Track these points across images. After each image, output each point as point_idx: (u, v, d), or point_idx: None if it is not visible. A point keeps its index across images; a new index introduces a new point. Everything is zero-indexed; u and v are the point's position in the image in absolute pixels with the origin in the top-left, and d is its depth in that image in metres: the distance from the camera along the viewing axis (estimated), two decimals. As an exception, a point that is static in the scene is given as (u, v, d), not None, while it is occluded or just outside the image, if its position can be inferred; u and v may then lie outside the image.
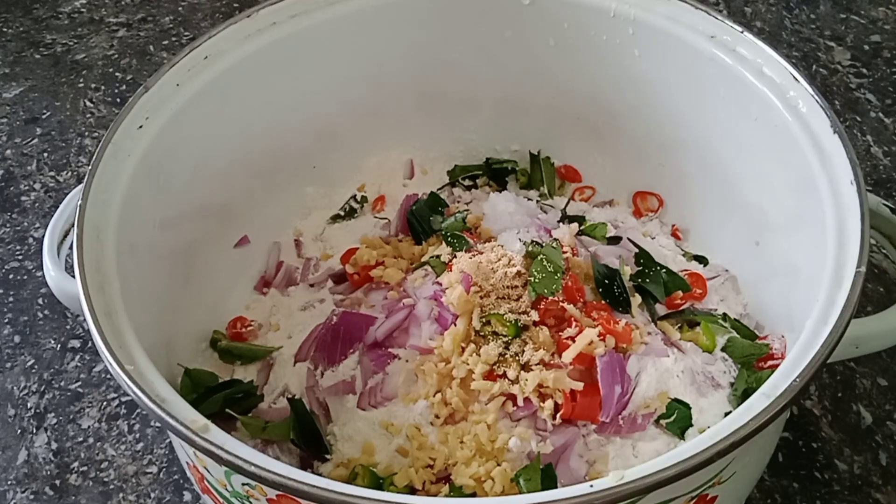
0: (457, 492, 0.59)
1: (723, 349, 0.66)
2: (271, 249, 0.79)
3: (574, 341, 0.62)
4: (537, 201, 0.81)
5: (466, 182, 0.84)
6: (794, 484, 0.69)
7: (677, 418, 0.61)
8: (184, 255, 0.69)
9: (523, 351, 0.63)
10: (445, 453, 0.61)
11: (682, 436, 0.61)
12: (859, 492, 0.69)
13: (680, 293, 0.71)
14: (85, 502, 0.71)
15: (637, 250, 0.73)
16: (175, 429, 0.48)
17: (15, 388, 0.79)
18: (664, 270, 0.71)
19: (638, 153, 0.81)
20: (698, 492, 0.51)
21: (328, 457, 0.64)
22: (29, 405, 0.78)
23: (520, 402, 0.62)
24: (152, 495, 0.71)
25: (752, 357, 0.65)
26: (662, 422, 0.62)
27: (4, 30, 1.14)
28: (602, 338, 0.63)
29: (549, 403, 0.61)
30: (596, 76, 0.77)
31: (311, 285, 0.77)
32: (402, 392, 0.64)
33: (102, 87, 1.06)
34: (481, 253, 0.67)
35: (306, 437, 0.64)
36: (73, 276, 0.56)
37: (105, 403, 0.77)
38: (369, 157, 0.83)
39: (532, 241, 0.68)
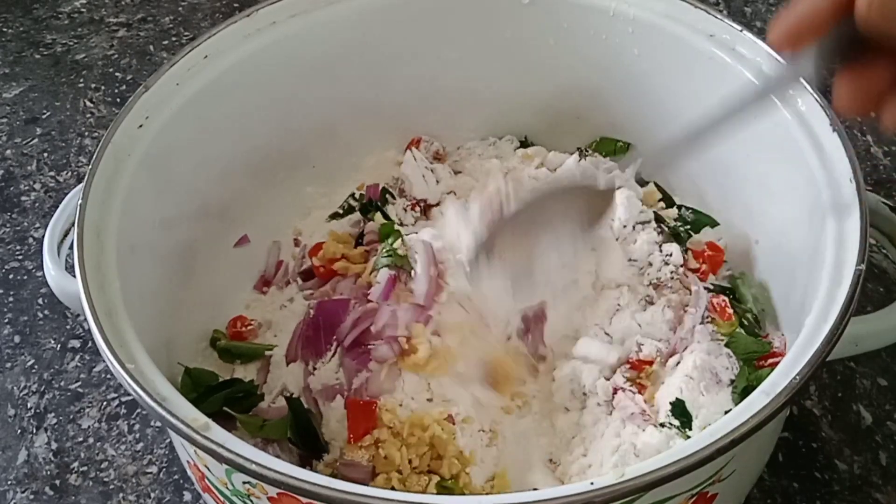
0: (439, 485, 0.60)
1: (726, 345, 0.66)
2: (271, 249, 0.79)
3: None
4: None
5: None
6: (794, 484, 0.69)
7: (678, 415, 0.62)
8: (184, 254, 0.69)
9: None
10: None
11: (683, 433, 0.61)
12: (859, 492, 0.69)
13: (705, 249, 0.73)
14: (85, 502, 0.71)
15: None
16: (176, 427, 0.48)
17: (15, 388, 0.79)
18: (690, 210, 0.76)
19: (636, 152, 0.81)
20: (698, 489, 0.51)
21: (326, 456, 0.64)
22: (29, 405, 0.78)
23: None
24: (152, 495, 0.71)
25: (754, 354, 0.65)
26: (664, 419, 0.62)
27: (4, 30, 1.14)
28: None
29: None
30: (596, 75, 0.77)
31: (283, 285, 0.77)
32: (385, 388, 0.64)
33: (102, 87, 1.06)
34: None
35: (303, 436, 0.64)
36: (74, 276, 0.56)
37: (105, 403, 0.77)
38: (368, 157, 0.83)
39: None
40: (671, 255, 0.71)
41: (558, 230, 0.63)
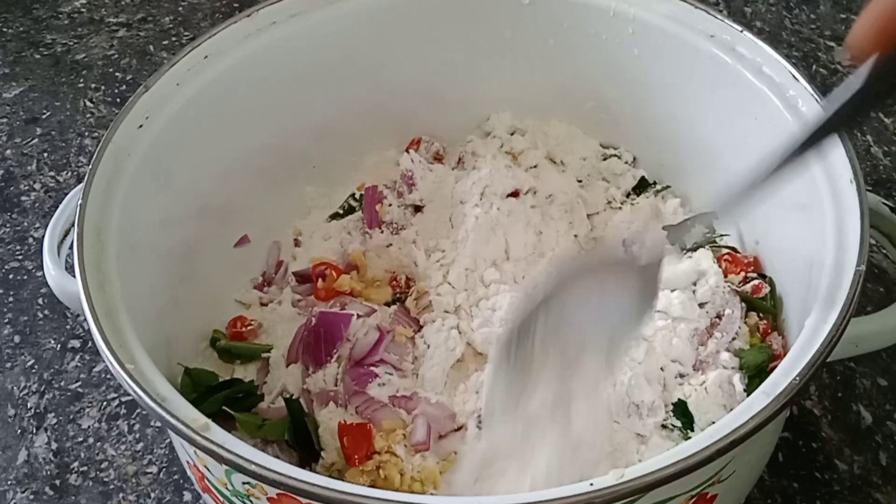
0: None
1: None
2: (271, 249, 0.79)
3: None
4: None
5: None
6: (794, 484, 0.69)
7: (679, 416, 0.62)
8: (184, 254, 0.69)
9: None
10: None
11: (685, 434, 0.61)
12: (859, 492, 0.69)
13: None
14: (85, 502, 0.71)
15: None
16: (176, 428, 0.48)
17: (15, 388, 0.79)
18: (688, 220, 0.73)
19: (637, 152, 0.81)
20: (698, 490, 0.51)
21: (321, 460, 0.63)
22: (29, 405, 0.78)
23: None
24: (152, 495, 0.71)
25: (763, 365, 0.64)
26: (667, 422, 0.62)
27: (4, 30, 1.14)
28: None
29: None
30: (596, 75, 0.77)
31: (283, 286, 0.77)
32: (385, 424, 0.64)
33: (102, 87, 1.06)
34: None
35: (299, 439, 0.64)
36: (74, 276, 0.56)
37: (105, 403, 0.77)
38: (368, 156, 0.83)
39: None
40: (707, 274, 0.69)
41: (597, 316, 0.54)
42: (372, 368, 0.67)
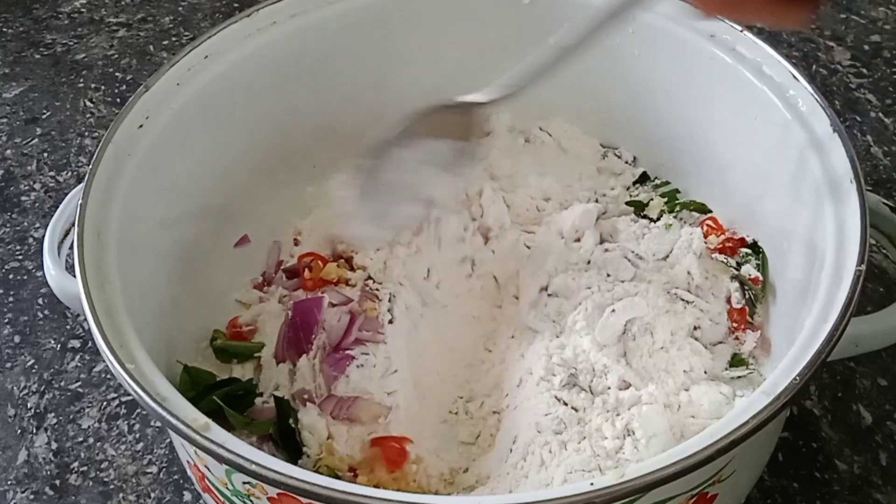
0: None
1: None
2: (271, 249, 0.79)
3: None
4: None
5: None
6: (794, 484, 0.69)
7: None
8: (184, 254, 0.69)
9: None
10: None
11: None
12: (859, 492, 0.69)
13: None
14: (85, 502, 0.71)
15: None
16: (176, 427, 0.48)
17: (15, 388, 0.79)
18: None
19: (637, 152, 0.81)
20: (698, 490, 0.51)
21: (308, 454, 0.63)
22: (29, 405, 0.78)
23: None
24: (152, 495, 0.71)
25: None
26: None
27: (4, 30, 1.14)
28: None
29: None
30: (596, 75, 0.77)
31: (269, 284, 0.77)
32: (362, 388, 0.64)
33: (102, 87, 1.06)
34: None
35: (285, 436, 0.64)
36: (74, 276, 0.56)
37: (105, 403, 0.77)
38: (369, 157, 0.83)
39: None
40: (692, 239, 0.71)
41: (434, 145, 0.67)
42: (348, 352, 0.66)
